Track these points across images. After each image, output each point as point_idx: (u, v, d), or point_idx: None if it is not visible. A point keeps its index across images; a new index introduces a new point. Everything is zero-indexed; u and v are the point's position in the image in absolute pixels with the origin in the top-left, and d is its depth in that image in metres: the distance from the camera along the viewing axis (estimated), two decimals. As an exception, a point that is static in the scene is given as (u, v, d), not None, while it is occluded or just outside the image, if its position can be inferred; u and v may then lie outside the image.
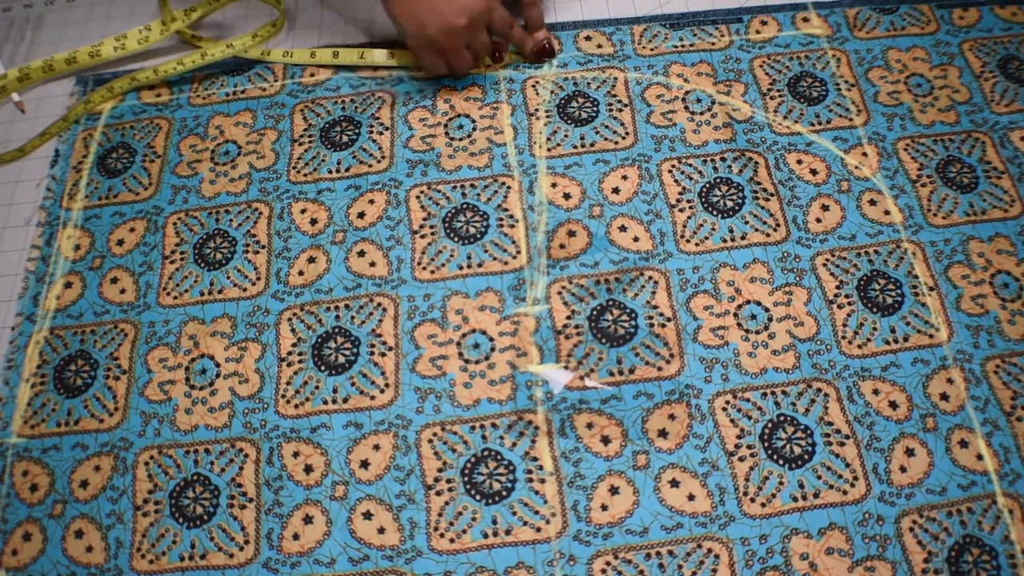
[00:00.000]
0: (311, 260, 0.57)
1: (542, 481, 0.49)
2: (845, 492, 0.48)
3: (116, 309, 0.56)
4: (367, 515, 0.49)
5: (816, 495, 0.48)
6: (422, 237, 0.57)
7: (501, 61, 0.64)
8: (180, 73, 0.65)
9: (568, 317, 0.54)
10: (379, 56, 0.65)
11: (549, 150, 0.60)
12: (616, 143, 0.61)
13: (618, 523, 0.48)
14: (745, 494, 0.48)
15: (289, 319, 0.55)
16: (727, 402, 0.51)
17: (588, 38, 0.66)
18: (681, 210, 0.58)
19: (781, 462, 0.49)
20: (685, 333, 0.53)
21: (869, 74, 0.63)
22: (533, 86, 0.63)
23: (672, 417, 0.50)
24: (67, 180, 0.62)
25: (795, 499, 0.48)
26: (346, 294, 0.55)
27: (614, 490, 0.49)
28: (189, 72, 0.66)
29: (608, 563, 0.47)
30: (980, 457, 0.49)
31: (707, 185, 0.58)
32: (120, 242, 0.59)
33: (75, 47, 0.68)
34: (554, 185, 0.59)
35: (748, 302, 0.54)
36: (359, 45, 0.66)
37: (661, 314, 0.54)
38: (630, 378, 0.52)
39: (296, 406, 0.52)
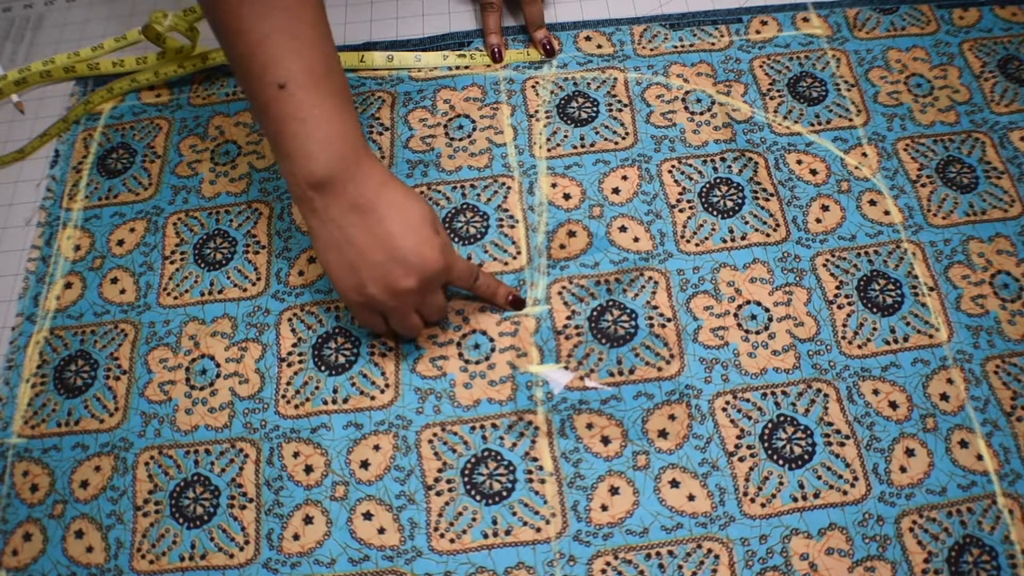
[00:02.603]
0: (311, 260, 0.57)
1: (542, 481, 0.49)
2: (845, 492, 0.48)
3: (116, 309, 0.56)
4: (367, 515, 0.49)
5: (816, 495, 0.48)
6: (422, 237, 0.57)
7: (501, 60, 0.64)
8: (180, 75, 0.65)
9: (568, 317, 0.54)
10: (379, 59, 0.65)
11: (549, 150, 0.60)
12: (616, 143, 0.61)
13: (618, 523, 0.48)
14: (745, 494, 0.48)
15: (289, 319, 0.55)
16: (727, 402, 0.51)
17: (588, 38, 0.66)
18: (681, 210, 0.58)
19: (781, 462, 0.49)
20: (685, 333, 0.53)
21: (869, 74, 0.63)
22: (533, 86, 0.63)
23: (672, 417, 0.50)
24: (67, 180, 0.62)
25: (795, 499, 0.48)
26: (346, 294, 0.55)
27: (614, 490, 0.49)
28: (189, 74, 0.65)
29: (608, 563, 0.47)
30: (980, 457, 0.49)
31: (707, 185, 0.58)
32: (120, 242, 0.59)
33: (75, 47, 0.68)
34: (554, 185, 0.59)
35: (748, 302, 0.54)
36: (359, 47, 0.66)
37: (661, 314, 0.54)
38: (630, 378, 0.52)
39: (296, 406, 0.52)
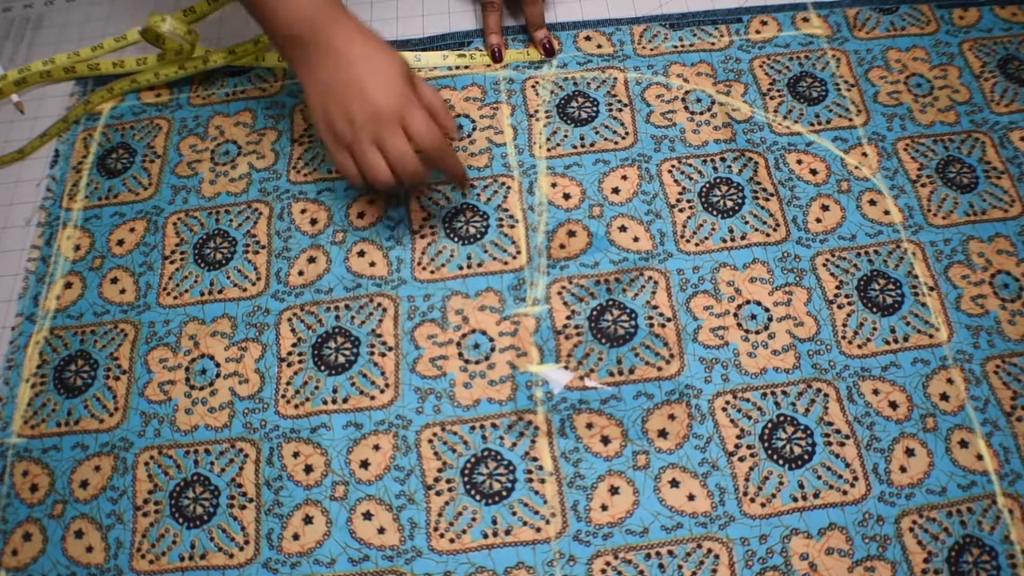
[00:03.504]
0: (311, 260, 0.57)
1: (542, 481, 0.49)
2: (845, 492, 0.48)
3: (116, 309, 0.56)
4: (367, 515, 0.49)
5: (816, 495, 0.48)
6: (422, 237, 0.57)
7: (501, 60, 0.64)
8: (181, 76, 0.65)
9: (568, 317, 0.54)
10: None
11: (549, 150, 0.60)
12: (616, 143, 0.61)
13: (618, 523, 0.48)
14: (745, 494, 0.48)
15: (289, 319, 0.55)
16: (727, 402, 0.51)
17: (588, 38, 0.66)
18: (681, 210, 0.58)
19: (781, 462, 0.49)
20: (685, 333, 0.53)
21: (869, 74, 0.63)
22: (533, 86, 0.63)
23: (672, 417, 0.50)
24: (67, 180, 0.62)
25: (795, 499, 0.48)
26: (346, 294, 0.55)
27: (614, 490, 0.49)
28: (189, 75, 0.65)
29: (608, 563, 0.47)
30: (980, 457, 0.49)
31: (707, 185, 0.58)
32: (120, 242, 0.59)
33: (75, 47, 0.68)
34: (554, 185, 0.59)
35: (748, 302, 0.54)
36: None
37: (661, 314, 0.54)
38: (630, 378, 0.52)
39: (296, 406, 0.52)
